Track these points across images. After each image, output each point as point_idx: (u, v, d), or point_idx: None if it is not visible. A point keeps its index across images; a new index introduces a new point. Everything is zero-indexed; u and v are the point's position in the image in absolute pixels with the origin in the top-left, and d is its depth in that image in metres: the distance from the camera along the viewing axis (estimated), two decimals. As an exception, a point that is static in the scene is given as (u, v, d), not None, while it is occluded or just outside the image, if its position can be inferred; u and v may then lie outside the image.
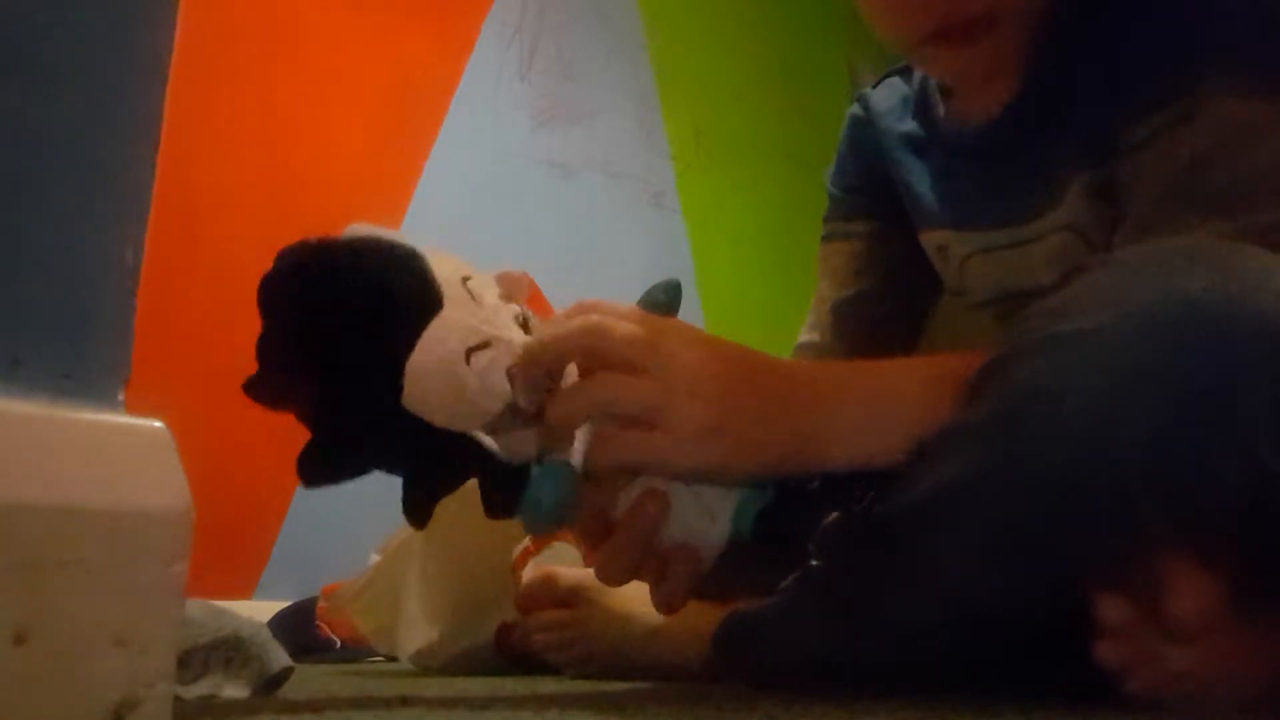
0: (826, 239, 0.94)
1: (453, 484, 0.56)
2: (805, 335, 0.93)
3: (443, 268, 0.54)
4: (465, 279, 0.55)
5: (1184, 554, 0.48)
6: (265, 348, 0.53)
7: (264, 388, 0.54)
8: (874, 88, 0.93)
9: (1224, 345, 0.47)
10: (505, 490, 0.55)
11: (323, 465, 0.55)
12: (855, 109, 0.94)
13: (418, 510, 0.56)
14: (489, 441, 0.54)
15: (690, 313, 0.61)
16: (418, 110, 2.19)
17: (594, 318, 0.56)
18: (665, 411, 0.54)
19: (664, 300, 0.61)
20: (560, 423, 0.56)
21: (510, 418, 0.54)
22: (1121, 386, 0.48)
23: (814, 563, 0.62)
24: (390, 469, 0.56)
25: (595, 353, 0.56)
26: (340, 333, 0.53)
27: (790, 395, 0.58)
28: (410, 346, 0.52)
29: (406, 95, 2.18)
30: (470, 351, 0.53)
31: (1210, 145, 0.62)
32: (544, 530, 0.57)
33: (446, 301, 0.53)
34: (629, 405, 0.55)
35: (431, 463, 0.55)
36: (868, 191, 0.91)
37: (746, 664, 0.65)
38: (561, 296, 0.73)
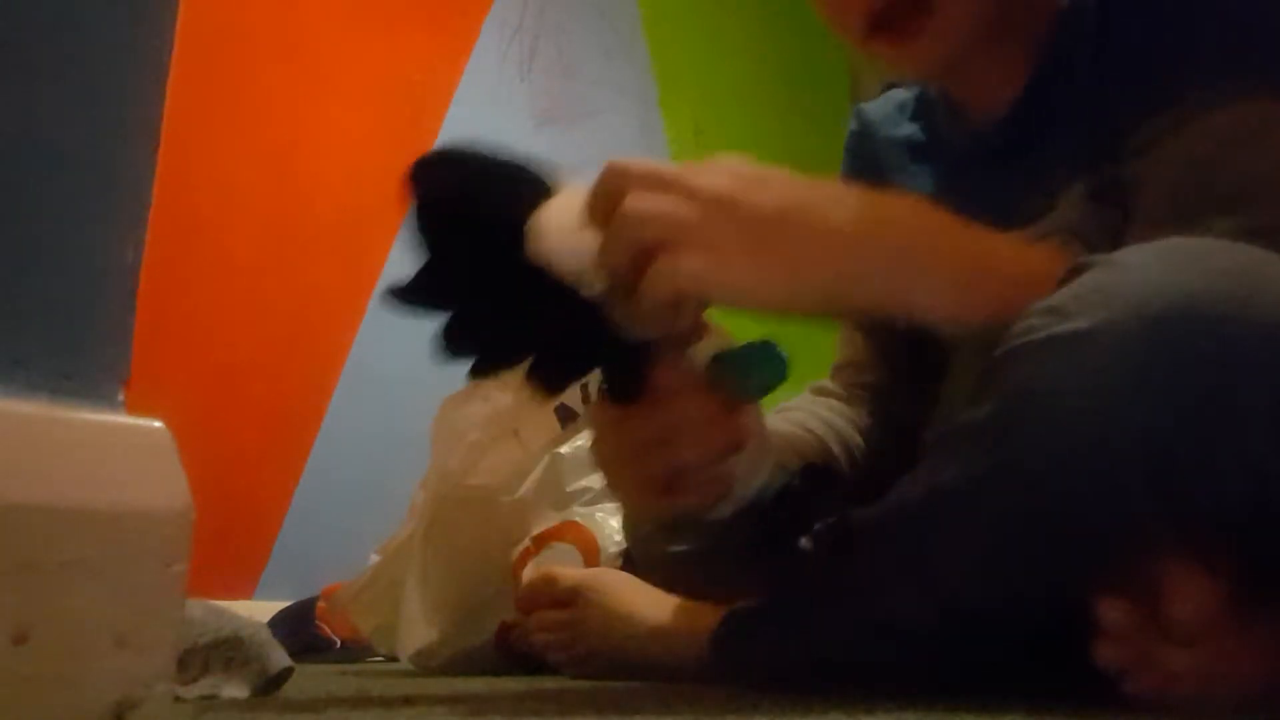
0: None
1: (581, 361, 0.58)
2: (841, 357, 0.90)
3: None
4: None
5: (1183, 555, 0.48)
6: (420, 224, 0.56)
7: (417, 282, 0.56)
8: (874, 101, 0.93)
9: (1223, 345, 0.47)
10: (628, 373, 0.56)
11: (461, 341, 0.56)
12: (852, 124, 0.93)
13: (545, 385, 0.57)
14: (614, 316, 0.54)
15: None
16: (418, 110, 2.19)
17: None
18: (697, 230, 0.52)
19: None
20: (609, 260, 0.53)
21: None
22: (1119, 387, 0.48)
23: (814, 562, 0.62)
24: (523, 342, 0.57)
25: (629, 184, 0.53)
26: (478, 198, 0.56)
27: (837, 228, 0.55)
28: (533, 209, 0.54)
29: (406, 95, 2.18)
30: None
31: (1217, 146, 0.62)
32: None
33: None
34: (657, 226, 0.52)
35: (562, 329, 0.56)
36: None
37: (746, 664, 0.65)
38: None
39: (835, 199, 0.56)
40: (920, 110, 0.86)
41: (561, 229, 0.54)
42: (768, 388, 0.59)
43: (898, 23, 0.70)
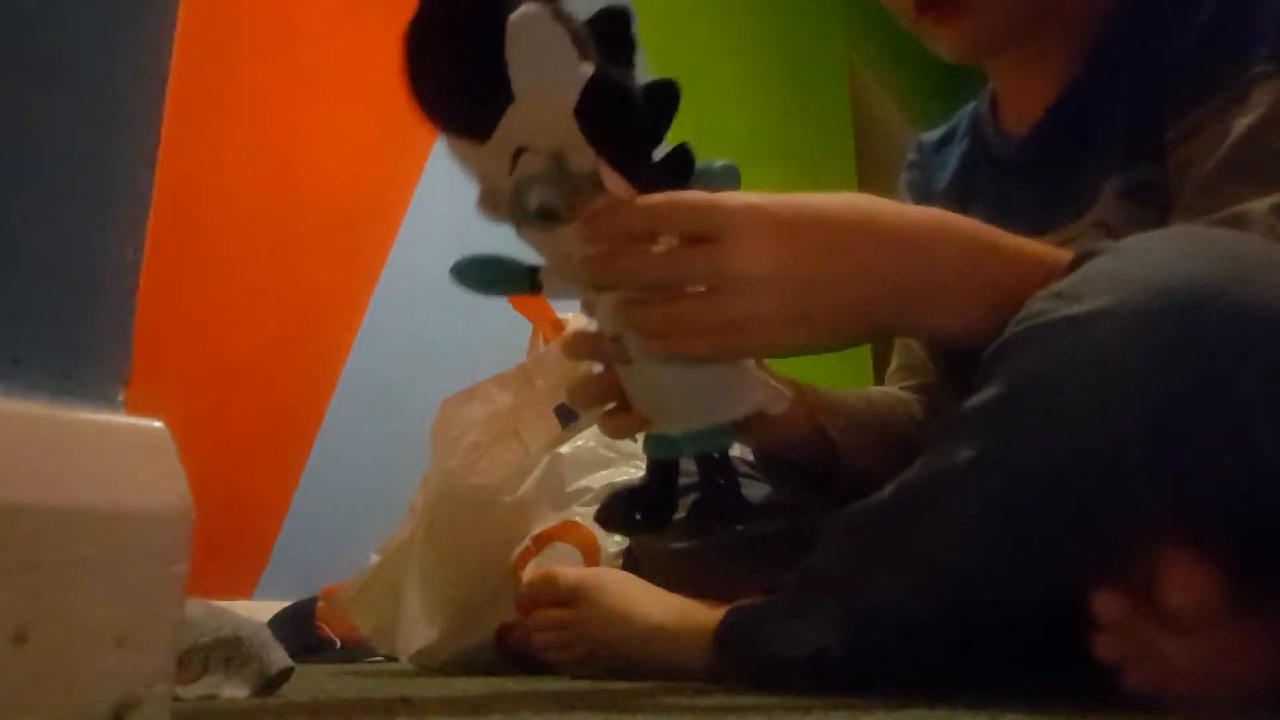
0: None
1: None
2: (896, 362, 0.96)
3: None
4: None
5: (1181, 545, 0.49)
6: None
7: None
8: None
9: (1226, 332, 0.47)
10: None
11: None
12: (911, 154, 0.98)
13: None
14: None
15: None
16: (418, 110, 2.19)
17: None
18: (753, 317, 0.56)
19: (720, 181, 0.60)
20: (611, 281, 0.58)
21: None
22: (1120, 372, 0.48)
23: (816, 555, 0.62)
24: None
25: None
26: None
27: (862, 267, 0.58)
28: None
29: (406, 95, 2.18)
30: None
31: (1260, 123, 0.63)
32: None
33: None
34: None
35: None
36: None
37: (747, 661, 0.65)
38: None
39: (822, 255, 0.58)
40: (974, 124, 0.90)
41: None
42: None
43: (942, 3, 0.75)
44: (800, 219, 0.57)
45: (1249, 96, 0.64)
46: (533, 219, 0.55)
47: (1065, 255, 0.56)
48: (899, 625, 0.57)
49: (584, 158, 0.54)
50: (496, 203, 0.56)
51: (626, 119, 0.54)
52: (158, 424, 0.39)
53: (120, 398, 0.39)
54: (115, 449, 0.37)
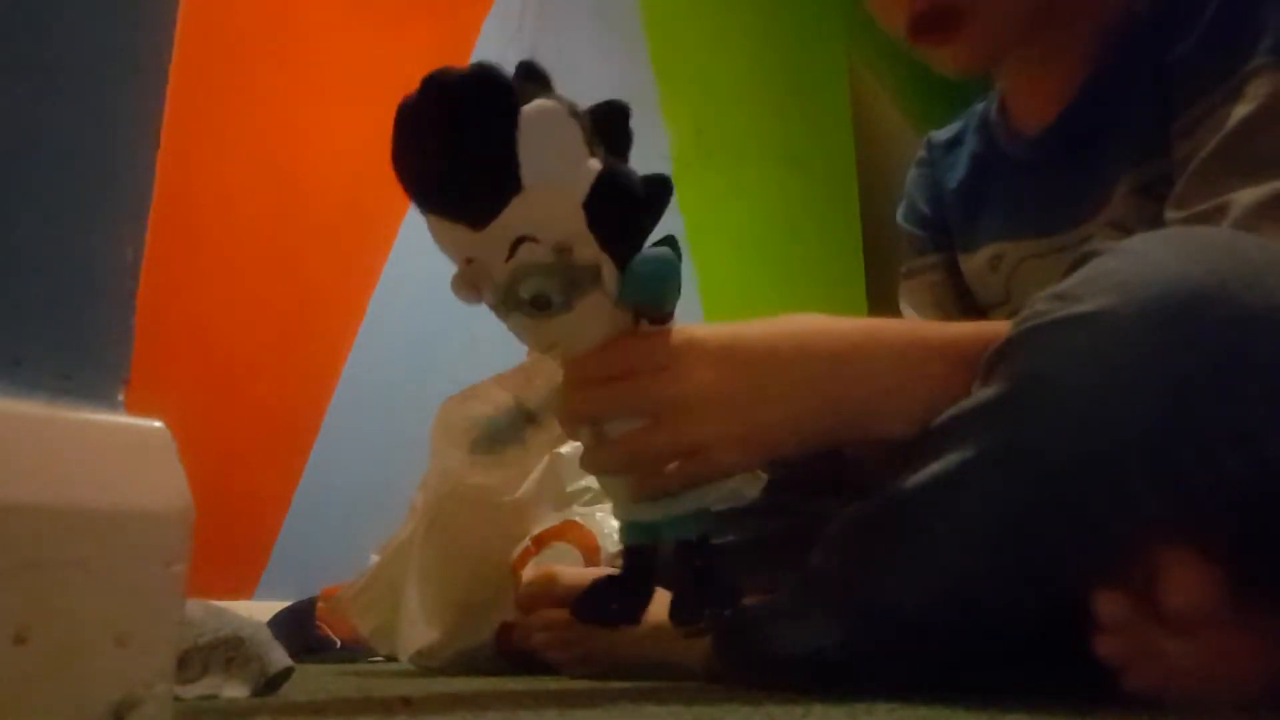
0: (906, 276, 0.97)
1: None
2: None
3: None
4: None
5: (1182, 545, 0.49)
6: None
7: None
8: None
9: (1225, 333, 0.47)
10: None
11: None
12: (920, 152, 0.98)
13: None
14: None
15: (690, 313, 0.61)
16: (418, 110, 2.19)
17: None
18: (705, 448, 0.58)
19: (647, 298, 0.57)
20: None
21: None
22: (1121, 372, 0.48)
23: (816, 556, 0.62)
24: None
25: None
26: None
27: (807, 391, 0.60)
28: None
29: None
30: None
31: (1254, 114, 0.63)
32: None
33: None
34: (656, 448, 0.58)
35: None
36: (935, 226, 0.94)
37: (747, 661, 0.65)
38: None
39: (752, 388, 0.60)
40: (982, 125, 0.90)
41: None
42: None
43: (937, 26, 0.75)
44: (735, 345, 0.59)
45: (1246, 88, 0.64)
46: (526, 307, 0.55)
47: (1001, 328, 0.56)
48: (899, 625, 0.57)
49: (588, 250, 0.54)
50: (478, 285, 0.55)
51: (632, 213, 0.56)
52: (158, 424, 0.39)
53: (120, 398, 0.39)
54: (115, 449, 0.37)
